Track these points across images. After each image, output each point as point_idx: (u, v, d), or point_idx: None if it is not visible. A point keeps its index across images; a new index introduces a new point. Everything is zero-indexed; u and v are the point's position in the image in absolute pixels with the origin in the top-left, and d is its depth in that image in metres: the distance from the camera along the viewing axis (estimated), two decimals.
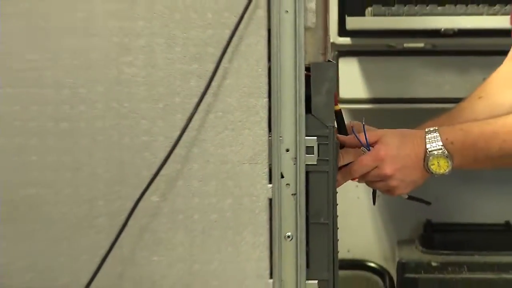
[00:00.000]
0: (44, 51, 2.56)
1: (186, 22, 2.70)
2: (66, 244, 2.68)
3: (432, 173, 3.07)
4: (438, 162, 3.06)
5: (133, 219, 2.63)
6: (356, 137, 3.05)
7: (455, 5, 3.89)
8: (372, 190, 3.34)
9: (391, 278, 4.26)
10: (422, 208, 3.97)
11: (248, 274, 2.71)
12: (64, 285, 2.66)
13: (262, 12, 2.62)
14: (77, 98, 2.65)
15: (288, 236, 2.68)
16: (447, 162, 3.04)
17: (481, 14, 3.91)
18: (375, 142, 3.06)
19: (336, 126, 2.94)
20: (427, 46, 4.10)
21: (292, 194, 2.66)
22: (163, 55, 2.70)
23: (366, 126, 3.13)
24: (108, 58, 2.70)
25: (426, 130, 3.07)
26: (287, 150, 2.66)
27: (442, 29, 3.99)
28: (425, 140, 3.06)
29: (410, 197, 3.31)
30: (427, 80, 4.11)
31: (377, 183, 3.17)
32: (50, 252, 2.62)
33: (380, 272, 4.30)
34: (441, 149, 3.04)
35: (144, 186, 2.60)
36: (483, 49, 4.05)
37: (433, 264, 3.88)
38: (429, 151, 3.03)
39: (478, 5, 3.86)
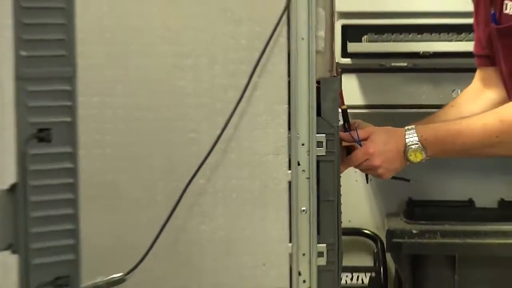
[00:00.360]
0: (118, 68, 2.57)
1: (225, 46, 2.71)
2: (134, 216, 2.68)
3: (410, 162, 3.01)
4: (414, 154, 3.00)
5: (185, 197, 2.62)
6: (351, 135, 3.04)
7: (431, 34, 3.89)
8: (365, 174, 3.33)
9: (382, 242, 4.21)
10: (405, 188, 3.99)
11: (272, 239, 2.70)
12: (133, 246, 2.61)
13: (283, 40, 2.65)
14: (141, 105, 2.67)
15: (303, 210, 2.66)
16: (422, 153, 2.99)
17: (450, 40, 3.92)
18: (366, 138, 3.02)
19: (339, 125, 2.93)
20: (409, 65, 4.06)
21: (306, 178, 2.65)
22: (207, 72, 2.70)
23: (362, 122, 3.18)
24: (164, 74, 2.71)
25: (406, 128, 3.02)
26: (303, 144, 2.66)
27: (421, 52, 3.97)
28: (405, 136, 3.00)
29: (394, 177, 3.23)
30: (409, 91, 4.08)
31: (368, 171, 3.16)
32: (122, 222, 2.63)
33: (373, 237, 4.28)
34: (417, 143, 2.99)
35: (193, 172, 2.61)
36: (451, 67, 4.02)
37: (414, 231, 3.86)
38: (408, 146, 2.99)
39: (448, 33, 3.88)
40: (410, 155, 3.00)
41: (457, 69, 3.86)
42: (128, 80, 2.63)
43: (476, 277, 3.87)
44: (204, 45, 2.72)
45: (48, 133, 1.85)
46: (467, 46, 3.47)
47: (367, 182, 3.71)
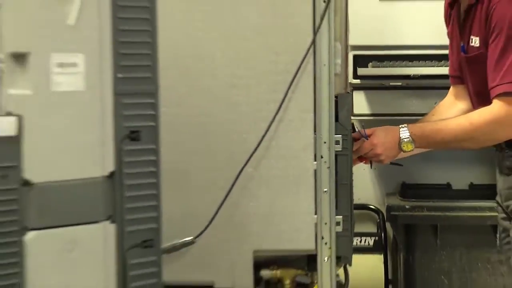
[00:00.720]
0: (189, 87, 2.58)
1: (268, 71, 2.70)
2: (200, 195, 2.68)
3: (403, 151, 2.98)
4: (406, 145, 2.96)
5: (238, 181, 2.65)
6: (360, 133, 3.00)
7: (419, 61, 3.86)
8: (370, 161, 3.20)
9: (383, 215, 4.12)
10: (400, 174, 3.97)
11: (303, 212, 2.68)
12: (199, 218, 2.61)
13: (310, 66, 2.65)
14: (206, 113, 2.67)
15: (325, 191, 2.64)
16: (412, 145, 2.95)
17: (432, 66, 3.84)
18: (371, 135, 2.97)
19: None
20: (403, 84, 4.02)
21: (327, 167, 2.64)
22: (255, 89, 2.71)
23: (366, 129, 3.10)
24: (224, 91, 2.71)
25: (400, 126, 2.98)
26: (325, 142, 2.64)
27: (412, 74, 3.91)
28: (399, 132, 2.95)
29: (391, 163, 3.20)
30: (403, 103, 4.01)
31: (372, 158, 3.05)
32: (191, 200, 2.63)
33: (376, 211, 4.20)
34: (408, 137, 2.95)
35: (244, 163, 2.63)
36: (433, 86, 3.92)
37: (406, 206, 3.84)
38: (401, 139, 2.94)
39: (431, 61, 3.84)
40: (403, 146, 2.95)
41: (437, 87, 3.77)
42: (197, 95, 2.65)
43: (452, 241, 3.80)
44: (253, 70, 2.72)
45: (137, 134, 1.91)
46: (445, 70, 3.42)
47: (371, 167, 3.62)
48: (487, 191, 3.57)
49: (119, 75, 1.90)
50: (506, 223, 3.12)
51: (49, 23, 1.79)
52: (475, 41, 2.97)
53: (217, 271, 2.73)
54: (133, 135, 1.93)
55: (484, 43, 2.91)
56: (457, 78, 3.18)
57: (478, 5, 2.92)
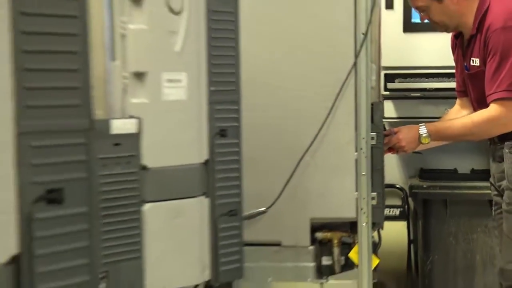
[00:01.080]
0: (264, 97, 2.52)
1: (321, 85, 2.65)
2: (268, 177, 2.63)
3: (422, 143, 2.92)
4: (424, 139, 2.89)
5: (298, 167, 2.60)
6: (389, 131, 2.97)
7: (433, 78, 3.80)
8: (396, 150, 3.08)
9: (406, 192, 4.03)
10: (419, 161, 3.87)
11: (347, 190, 2.62)
12: (269, 193, 2.57)
13: (353, 81, 2.60)
14: (275, 116, 2.62)
15: (363, 174, 2.59)
16: (428, 139, 2.87)
17: (444, 81, 3.71)
18: (397, 132, 2.91)
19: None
20: (421, 95, 3.91)
21: (365, 157, 2.59)
22: (312, 99, 2.64)
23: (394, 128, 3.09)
24: (289, 100, 2.67)
25: (419, 125, 2.93)
26: (363, 138, 2.58)
27: (428, 88, 3.80)
28: (419, 130, 2.89)
29: (413, 152, 3.17)
30: (421, 109, 3.89)
31: (398, 149, 2.97)
32: (262, 180, 2.53)
33: (401, 189, 4.09)
34: (426, 133, 2.87)
35: (303, 152, 2.59)
36: (444, 96, 3.77)
37: (424, 186, 3.77)
38: (420, 134, 2.87)
39: (442, 78, 3.73)
40: (422, 140, 2.89)
41: (447, 97, 3.65)
42: (270, 103, 2.59)
43: (458, 211, 3.72)
44: (311, 84, 2.68)
45: (225, 132, 1.96)
46: (452, 85, 3.32)
47: (398, 156, 3.72)
48: (484, 175, 3.42)
49: (212, 88, 1.95)
50: (498, 198, 3.07)
51: (161, 50, 1.84)
52: (475, 61, 2.90)
53: (283, 234, 2.70)
54: (222, 133, 1.97)
55: (483, 62, 2.86)
56: (462, 92, 3.13)
57: (478, 35, 2.86)
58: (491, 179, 3.13)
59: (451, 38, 3.07)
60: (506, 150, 2.93)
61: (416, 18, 3.47)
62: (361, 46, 2.53)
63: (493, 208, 3.16)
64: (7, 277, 1.38)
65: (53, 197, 1.44)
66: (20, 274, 1.38)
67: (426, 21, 3.04)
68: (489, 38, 2.78)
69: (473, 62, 2.90)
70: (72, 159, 1.49)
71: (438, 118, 3.26)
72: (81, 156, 1.51)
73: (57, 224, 1.46)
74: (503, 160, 2.96)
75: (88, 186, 1.55)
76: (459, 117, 3.09)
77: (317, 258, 2.62)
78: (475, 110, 2.97)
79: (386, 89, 3.65)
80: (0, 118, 1.33)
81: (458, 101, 3.21)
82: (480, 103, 2.91)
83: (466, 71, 2.97)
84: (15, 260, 1.35)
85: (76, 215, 1.50)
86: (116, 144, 1.75)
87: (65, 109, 1.50)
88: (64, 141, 1.47)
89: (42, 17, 1.44)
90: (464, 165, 3.85)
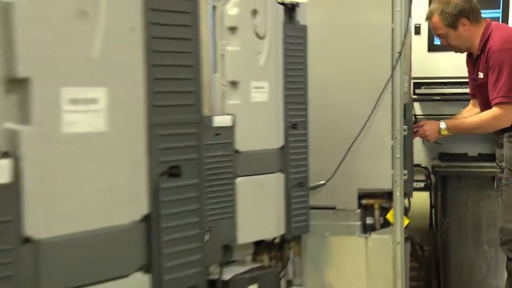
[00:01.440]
0: (322, 102, 2.39)
1: (367, 90, 2.56)
2: (330, 161, 2.54)
3: (441, 135, 2.82)
4: (443, 131, 2.80)
5: (349, 152, 2.52)
6: (418, 124, 2.83)
7: (451, 85, 3.56)
8: (422, 139, 3.13)
9: (429, 170, 3.79)
10: (439, 147, 3.57)
11: (385, 168, 2.51)
12: (327, 170, 2.50)
13: (390, 88, 2.50)
14: (333, 115, 2.56)
15: (397, 157, 2.51)
16: (446, 131, 2.79)
17: (458, 88, 3.45)
18: (423, 125, 2.80)
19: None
20: (441, 98, 3.61)
21: (399, 144, 2.51)
22: (359, 101, 2.56)
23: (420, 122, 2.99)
24: (342, 103, 2.58)
25: (440, 121, 2.84)
26: (398, 130, 2.50)
27: (446, 93, 3.56)
28: (439, 124, 2.78)
29: (435, 142, 3.05)
30: (441, 109, 3.61)
31: (423, 138, 2.90)
32: (326, 163, 2.46)
33: (426, 168, 3.83)
34: (445, 127, 2.77)
35: (352, 140, 2.48)
36: (460, 99, 3.50)
37: (442, 165, 3.57)
38: (440, 128, 2.77)
39: (458, 85, 3.51)
40: (442, 132, 2.80)
41: (461, 99, 3.43)
42: (327, 106, 2.47)
43: (469, 184, 3.50)
44: (359, 91, 2.59)
45: (296, 125, 1.95)
46: (465, 90, 3.21)
47: (423, 143, 3.52)
48: (488, 157, 3.37)
49: (286, 93, 1.95)
50: (500, 175, 2.98)
51: (250, 65, 1.85)
52: (481, 75, 2.85)
53: (338, 200, 2.58)
54: (294, 125, 1.97)
55: (486, 75, 2.80)
56: (473, 95, 3.03)
57: (482, 55, 2.80)
58: (496, 161, 3.04)
59: (466, 56, 3.00)
60: (505, 139, 2.86)
61: (437, 41, 3.35)
62: (397, 62, 2.46)
63: (496, 182, 3.06)
64: (141, 231, 1.37)
65: (173, 172, 1.43)
66: (150, 229, 1.37)
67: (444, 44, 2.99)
68: (489, 58, 2.73)
69: (479, 75, 2.84)
70: (187, 144, 1.46)
71: (454, 115, 3.17)
72: (194, 142, 1.49)
73: (176, 192, 1.45)
74: (503, 147, 2.91)
75: (198, 164, 1.51)
76: (470, 115, 2.99)
77: (363, 218, 2.54)
78: (481, 110, 2.90)
79: (414, 93, 3.50)
80: (136, 115, 1.31)
81: (471, 101, 3.12)
82: (485, 105, 2.86)
83: (474, 82, 2.92)
84: (146, 219, 1.35)
85: (189, 185, 1.48)
86: (217, 134, 1.75)
87: (183, 108, 1.46)
88: (182, 131, 1.44)
89: (167, 39, 1.40)
90: (473, 150, 3.64)
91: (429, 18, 2.81)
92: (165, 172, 1.36)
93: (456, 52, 2.89)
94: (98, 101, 1.20)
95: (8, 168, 1.03)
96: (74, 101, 1.14)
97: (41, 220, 1.09)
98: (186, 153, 1.41)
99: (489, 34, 2.76)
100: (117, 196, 1.25)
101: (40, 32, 1.08)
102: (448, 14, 2.71)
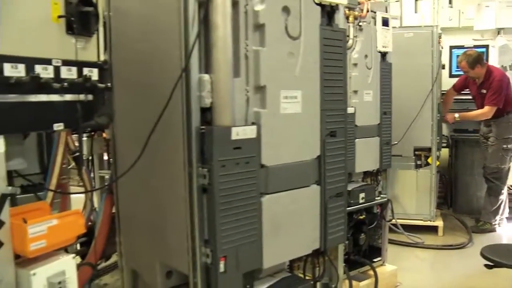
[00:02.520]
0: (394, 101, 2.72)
1: (420, 91, 3.41)
2: (397, 128, 3.01)
3: (456, 121, 3.76)
4: (457, 118, 3.70)
5: (408, 130, 3.31)
6: (445, 114, 3.66)
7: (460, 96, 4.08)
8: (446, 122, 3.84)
9: (448, 138, 4.30)
10: (454, 126, 4.24)
11: (427, 136, 3.41)
12: (397, 137, 3.06)
13: (431, 95, 3.36)
14: (399, 111, 3.11)
15: (434, 130, 3.51)
16: (459, 118, 3.71)
17: (464, 96, 4.10)
18: (446, 114, 3.70)
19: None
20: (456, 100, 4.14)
21: (435, 124, 3.45)
22: (415, 98, 3.40)
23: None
24: (402, 101, 3.18)
25: (455, 113, 3.77)
26: (435, 116, 3.49)
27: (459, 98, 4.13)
28: (455, 114, 3.74)
29: (452, 123, 3.87)
30: (453, 105, 4.14)
31: (446, 121, 3.79)
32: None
33: (447, 136, 4.31)
34: (457, 115, 3.75)
35: (410, 123, 3.36)
36: (461, 101, 4.15)
37: (455, 135, 4.23)
38: (455, 116, 3.75)
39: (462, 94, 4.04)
40: (456, 119, 3.74)
41: (461, 101, 4.11)
42: (399, 102, 2.87)
43: (469, 145, 4.24)
44: (413, 95, 3.38)
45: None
46: (465, 97, 3.97)
47: (447, 124, 4.04)
48: (478, 131, 3.99)
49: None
50: (483, 140, 3.89)
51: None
52: (483, 90, 3.74)
53: (403, 151, 3.46)
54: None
55: (486, 91, 3.70)
56: (458, 90, 3.87)
57: (485, 81, 3.73)
58: (480, 133, 3.89)
59: (471, 80, 3.75)
60: (492, 122, 3.77)
61: (453, 71, 4.33)
62: (434, 81, 3.57)
63: (481, 144, 3.95)
64: (316, 163, 1.68)
65: (332, 134, 1.69)
66: (319, 162, 1.69)
67: (462, 73, 3.86)
68: (492, 83, 3.64)
69: (482, 91, 3.73)
70: (338, 120, 1.77)
71: (465, 110, 3.97)
72: (342, 119, 1.73)
73: (333, 144, 1.68)
74: (491, 126, 3.77)
75: (344, 131, 1.75)
76: (473, 110, 3.84)
77: (415, 161, 3.61)
78: (479, 108, 3.76)
79: (441, 98, 3.99)
80: (315, 104, 1.64)
81: (453, 90, 3.89)
82: (481, 106, 3.73)
83: (478, 94, 3.73)
84: (318, 157, 1.64)
85: (340, 141, 1.72)
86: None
87: (336, 101, 1.71)
88: (336, 113, 1.70)
89: (330, 62, 1.66)
90: (471, 127, 4.18)
91: (460, 62, 3.74)
92: (328, 134, 1.68)
93: (470, 78, 3.74)
94: (297, 97, 1.58)
95: (255, 130, 1.44)
96: (286, 97, 1.54)
97: (270, 156, 1.51)
98: (338, 124, 1.72)
99: (490, 71, 3.70)
100: (306, 145, 1.63)
101: (270, 63, 1.48)
102: (470, 62, 3.67)
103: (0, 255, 1.16)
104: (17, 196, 1.25)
